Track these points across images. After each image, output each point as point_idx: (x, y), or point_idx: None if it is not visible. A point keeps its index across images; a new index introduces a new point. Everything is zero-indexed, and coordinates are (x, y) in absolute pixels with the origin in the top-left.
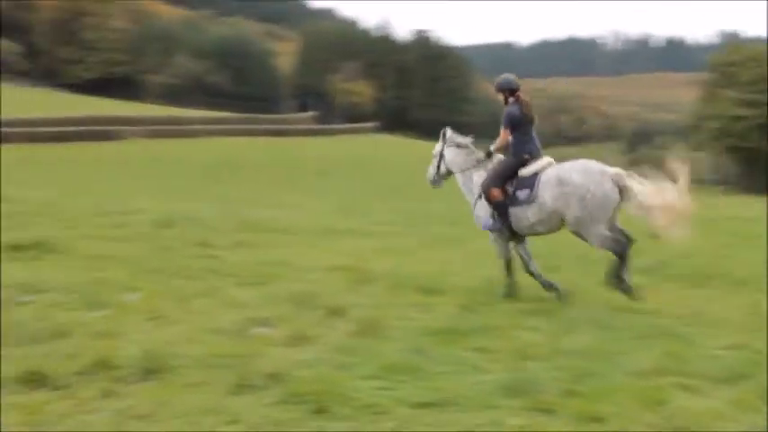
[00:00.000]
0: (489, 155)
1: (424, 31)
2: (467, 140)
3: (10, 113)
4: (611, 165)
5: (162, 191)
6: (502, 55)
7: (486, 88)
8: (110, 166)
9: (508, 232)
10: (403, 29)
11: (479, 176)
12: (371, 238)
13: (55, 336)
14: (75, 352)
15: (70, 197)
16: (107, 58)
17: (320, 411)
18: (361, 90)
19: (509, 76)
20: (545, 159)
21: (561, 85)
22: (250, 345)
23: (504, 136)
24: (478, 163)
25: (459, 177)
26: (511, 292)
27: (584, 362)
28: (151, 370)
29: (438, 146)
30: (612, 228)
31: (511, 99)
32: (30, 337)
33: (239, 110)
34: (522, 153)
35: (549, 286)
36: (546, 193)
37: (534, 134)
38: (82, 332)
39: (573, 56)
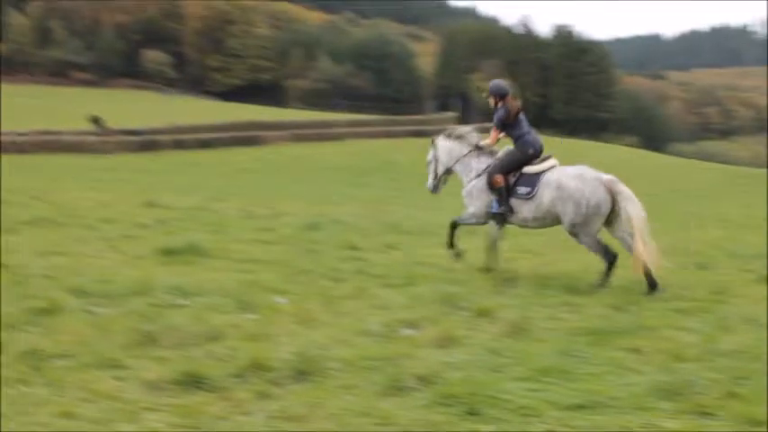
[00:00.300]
0: (479, 148)
1: (565, 27)
2: (466, 130)
3: (161, 122)
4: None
5: (307, 194)
6: (648, 47)
7: (631, 82)
8: (256, 171)
9: (503, 219)
10: (544, 25)
11: (478, 162)
12: (512, 238)
13: (210, 338)
14: (230, 354)
15: (219, 202)
16: (251, 64)
17: (471, 414)
18: None
19: (500, 82)
20: (550, 161)
21: (708, 76)
22: (399, 346)
23: (495, 134)
24: (475, 148)
25: (458, 168)
26: (456, 255)
27: (742, 363)
28: (304, 372)
29: (429, 154)
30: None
31: (500, 103)
32: (186, 339)
33: (380, 112)
34: (527, 148)
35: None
36: (545, 193)
37: (531, 130)
38: (235, 335)
39: (721, 46)
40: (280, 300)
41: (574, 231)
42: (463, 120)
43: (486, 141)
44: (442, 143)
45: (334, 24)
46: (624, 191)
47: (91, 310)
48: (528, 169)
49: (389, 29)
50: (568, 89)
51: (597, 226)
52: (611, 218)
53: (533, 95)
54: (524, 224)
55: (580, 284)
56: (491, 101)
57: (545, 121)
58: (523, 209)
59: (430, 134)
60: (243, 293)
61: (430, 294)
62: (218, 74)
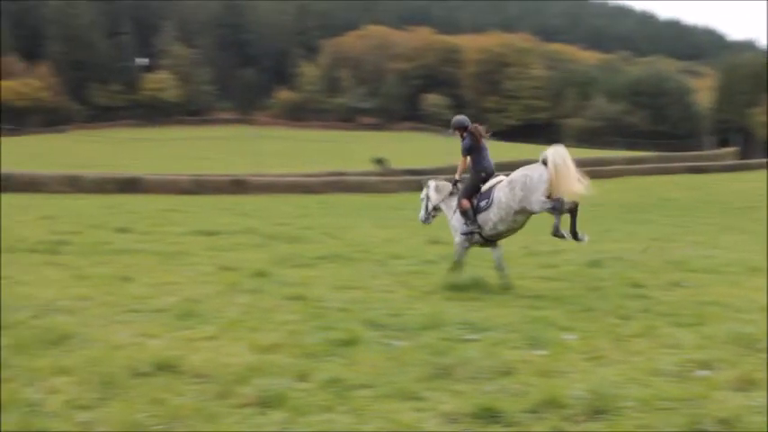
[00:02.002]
0: (455, 183)
1: None
2: (441, 183)
3: (441, 161)
4: None
5: (586, 231)
6: None
7: None
8: None
9: (480, 237)
10: None
11: (454, 200)
12: None
13: (502, 373)
14: (523, 390)
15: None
16: (527, 105)
17: None
18: None
19: (461, 118)
20: (499, 177)
21: None
22: (695, 388)
23: (463, 161)
24: (452, 193)
25: (443, 206)
26: (456, 269)
27: None
28: (598, 410)
29: (423, 193)
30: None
31: (465, 134)
32: (478, 373)
33: (657, 148)
34: (479, 170)
35: (505, 284)
36: (500, 194)
37: (488, 157)
38: (527, 370)
39: None
40: (568, 336)
41: (524, 205)
42: (744, 155)
43: (458, 171)
44: (432, 184)
45: (608, 63)
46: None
47: (387, 343)
48: (484, 187)
49: (666, 65)
50: None
51: (542, 193)
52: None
53: None
54: (497, 232)
55: None
56: (456, 134)
57: None
58: (489, 216)
59: (709, 170)
60: (531, 329)
61: (723, 334)
62: (495, 115)
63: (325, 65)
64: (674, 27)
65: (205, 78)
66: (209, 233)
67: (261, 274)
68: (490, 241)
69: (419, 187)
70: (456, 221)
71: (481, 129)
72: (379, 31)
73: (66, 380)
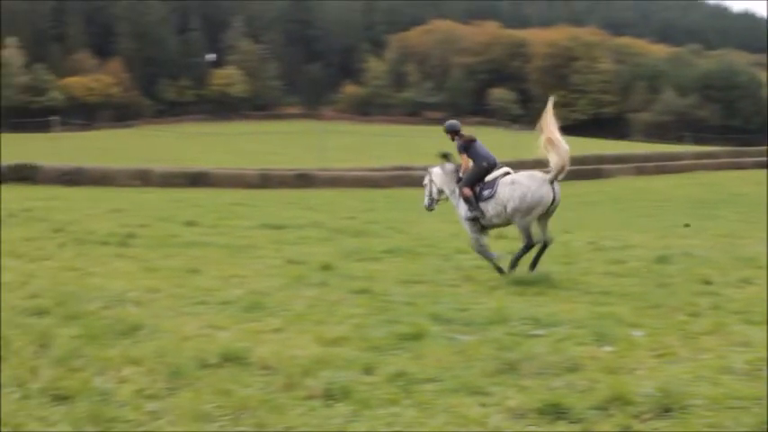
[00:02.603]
0: (460, 179)
1: None
2: (450, 166)
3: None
4: None
5: (654, 227)
6: None
7: None
8: (600, 204)
9: (479, 224)
10: None
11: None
12: None
13: (569, 369)
14: (590, 386)
15: (566, 234)
16: (594, 99)
17: None
18: None
19: (452, 122)
20: (504, 169)
21: None
22: (765, 387)
23: (465, 160)
24: (458, 179)
25: (451, 197)
26: (501, 268)
27: None
28: (667, 408)
29: (426, 179)
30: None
31: (456, 137)
32: (545, 369)
33: (727, 143)
34: (480, 162)
35: (498, 269)
36: (502, 190)
37: (485, 149)
38: (594, 366)
39: None
40: (636, 333)
41: (512, 216)
42: None
43: (463, 167)
44: (436, 170)
45: (678, 56)
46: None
47: (452, 337)
48: (488, 177)
49: (737, 58)
50: None
51: (535, 216)
52: (545, 216)
53: None
54: (492, 223)
55: None
56: (449, 137)
57: None
58: (488, 208)
59: None
60: (597, 325)
61: None
62: (562, 109)
63: (392, 60)
64: (747, 19)
65: (272, 74)
66: (276, 227)
67: (327, 267)
68: (485, 228)
69: None
70: (462, 210)
71: (469, 135)
72: (446, 25)
73: (135, 370)
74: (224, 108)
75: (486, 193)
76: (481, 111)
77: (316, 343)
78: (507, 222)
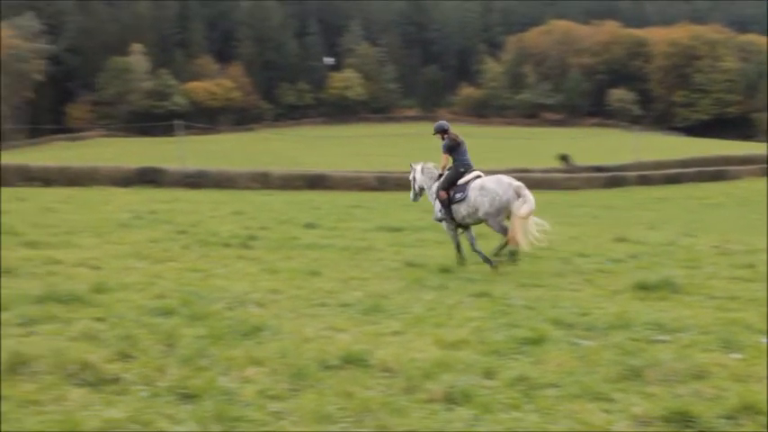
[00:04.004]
0: (440, 176)
1: None
2: (429, 166)
3: (627, 158)
4: None
5: None
6: None
7: None
8: (725, 206)
9: (453, 222)
10: None
11: (436, 186)
12: None
13: (695, 376)
14: (718, 394)
15: (689, 237)
16: (717, 98)
17: None
18: None
19: (441, 122)
20: (475, 173)
21: None
22: None
23: (445, 159)
24: (437, 178)
25: (427, 191)
26: (461, 263)
27: None
28: None
29: (410, 175)
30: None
31: (445, 136)
32: (670, 376)
33: None
34: (459, 168)
35: (486, 260)
36: (472, 194)
37: (466, 154)
38: (721, 374)
39: None
40: (765, 340)
41: (486, 218)
42: None
43: (441, 165)
44: (418, 167)
45: None
46: (526, 194)
47: (574, 342)
48: (461, 180)
49: None
50: None
51: (503, 215)
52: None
53: None
54: (464, 221)
55: None
56: (437, 136)
57: None
58: (461, 209)
59: None
60: (724, 331)
61: None
62: (684, 109)
63: (509, 61)
64: None
65: (389, 76)
66: (394, 229)
67: (445, 270)
68: (462, 225)
69: (604, 184)
70: (436, 207)
71: (453, 135)
72: (564, 26)
73: (258, 370)
74: (342, 111)
75: (458, 196)
76: (600, 112)
77: (435, 346)
78: (479, 221)
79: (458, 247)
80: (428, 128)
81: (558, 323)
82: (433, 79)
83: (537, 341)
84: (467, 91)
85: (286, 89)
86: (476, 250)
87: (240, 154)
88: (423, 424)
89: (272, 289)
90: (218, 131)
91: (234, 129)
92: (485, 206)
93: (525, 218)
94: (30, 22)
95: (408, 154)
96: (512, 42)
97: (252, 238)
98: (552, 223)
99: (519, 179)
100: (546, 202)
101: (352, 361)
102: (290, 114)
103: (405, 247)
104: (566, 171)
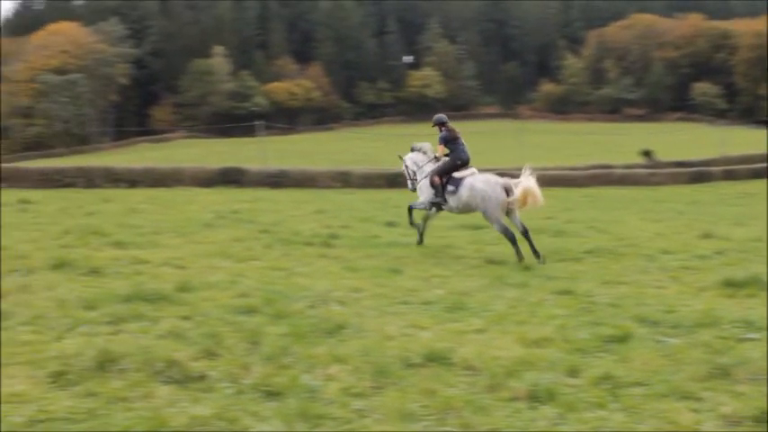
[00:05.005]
0: (437, 158)
1: None
2: (425, 146)
3: (711, 153)
4: None
5: None
6: None
7: None
8: None
9: (436, 206)
10: None
11: (429, 167)
12: None
13: None
14: None
15: None
16: None
17: None
18: None
19: (440, 115)
20: (471, 170)
21: None
22: None
23: (441, 149)
24: (432, 159)
25: (416, 169)
26: (421, 237)
27: None
28: None
29: (402, 165)
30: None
31: (443, 128)
32: (760, 375)
33: None
34: (456, 160)
35: (412, 224)
36: (463, 192)
37: (465, 148)
38: None
39: None
40: None
41: (486, 217)
42: None
43: (437, 153)
44: (408, 157)
45: None
46: (519, 181)
47: (660, 340)
48: (455, 174)
49: None
50: None
51: (499, 214)
52: (510, 210)
53: None
54: (452, 211)
55: None
56: (436, 128)
57: None
58: (451, 200)
59: None
60: None
61: None
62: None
63: (590, 56)
64: None
65: (469, 74)
66: (474, 227)
67: (527, 268)
68: (441, 209)
69: (688, 180)
70: (424, 186)
71: (450, 127)
72: (646, 19)
73: (341, 368)
74: (421, 109)
75: (450, 188)
76: (683, 106)
77: (518, 344)
78: (467, 212)
79: (410, 209)
80: (509, 125)
81: (642, 321)
82: (512, 76)
83: (622, 339)
84: (547, 87)
85: (365, 88)
86: (410, 218)
87: (320, 153)
88: (506, 422)
89: (353, 287)
90: (299, 131)
91: (314, 128)
92: (479, 205)
93: (532, 184)
94: (114, 27)
95: (488, 151)
96: (592, 37)
97: (333, 236)
98: (636, 219)
99: (601, 176)
100: (629, 199)
101: (435, 359)
102: (370, 113)
103: (485, 245)
104: (649, 167)
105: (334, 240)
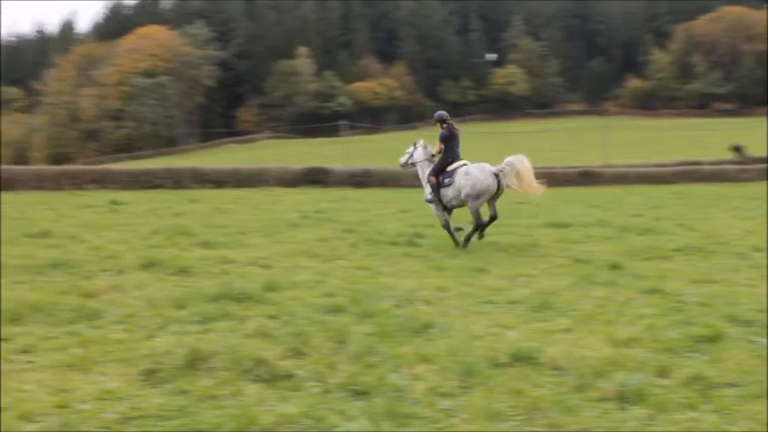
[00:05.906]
0: (433, 156)
1: None
2: (428, 146)
3: None
4: None
5: None
6: None
7: None
8: None
9: (441, 205)
10: None
11: (428, 168)
12: None
13: None
14: None
15: None
16: None
17: None
18: None
19: (441, 113)
20: (462, 161)
21: None
22: None
23: (439, 146)
24: (431, 158)
25: (418, 168)
26: (460, 242)
27: None
28: None
29: (410, 149)
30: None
31: (444, 125)
32: None
33: None
34: (447, 158)
35: (456, 243)
36: (458, 179)
37: (458, 146)
38: None
39: None
40: None
41: (466, 200)
42: None
43: (435, 150)
44: (420, 143)
45: None
46: (507, 164)
47: (753, 340)
48: (450, 167)
49: None
50: None
51: (483, 200)
52: (492, 199)
53: None
54: (451, 204)
55: None
56: (437, 125)
57: None
58: (448, 192)
59: None
60: None
61: None
62: None
63: (677, 50)
64: None
65: (553, 71)
66: (560, 225)
67: (615, 266)
68: (447, 208)
69: None
70: (426, 190)
71: (451, 125)
72: (735, 11)
73: (428, 367)
74: (505, 107)
75: (446, 181)
76: None
77: (606, 344)
78: (462, 204)
79: (447, 227)
80: (594, 122)
81: (734, 320)
82: (598, 72)
83: (713, 339)
84: (633, 83)
85: (449, 86)
86: (445, 227)
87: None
88: (595, 423)
89: (439, 286)
90: (383, 130)
91: (398, 127)
92: (467, 188)
93: (527, 170)
94: (200, 30)
95: (574, 148)
96: (680, 31)
97: (418, 235)
98: (726, 217)
99: (689, 172)
100: (718, 195)
101: (522, 358)
102: (454, 111)
103: (571, 243)
104: (739, 163)
105: (419, 239)
